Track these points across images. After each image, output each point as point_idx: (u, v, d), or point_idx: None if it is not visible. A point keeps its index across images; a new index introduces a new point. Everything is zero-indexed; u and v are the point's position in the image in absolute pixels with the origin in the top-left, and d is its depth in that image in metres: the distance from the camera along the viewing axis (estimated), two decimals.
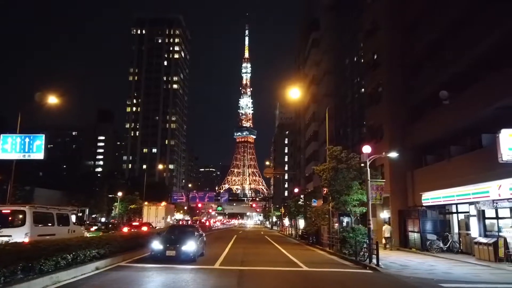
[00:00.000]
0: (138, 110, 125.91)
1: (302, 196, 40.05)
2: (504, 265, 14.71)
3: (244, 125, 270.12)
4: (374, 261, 14.11)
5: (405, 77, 25.31)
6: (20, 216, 13.00)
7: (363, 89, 32.70)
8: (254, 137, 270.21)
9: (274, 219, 75.09)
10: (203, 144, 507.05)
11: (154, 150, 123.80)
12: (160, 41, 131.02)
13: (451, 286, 10.59)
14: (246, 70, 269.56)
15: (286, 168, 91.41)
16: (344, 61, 39.48)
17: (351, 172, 18.83)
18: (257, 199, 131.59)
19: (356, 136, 34.27)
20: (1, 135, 20.59)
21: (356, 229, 17.42)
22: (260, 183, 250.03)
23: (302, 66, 63.19)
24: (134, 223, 34.59)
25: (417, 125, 23.80)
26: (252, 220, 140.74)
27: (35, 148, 20.48)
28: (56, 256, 9.31)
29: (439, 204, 21.19)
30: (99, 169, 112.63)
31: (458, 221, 20.84)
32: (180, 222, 51.22)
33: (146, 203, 43.95)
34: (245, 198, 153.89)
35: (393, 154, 19.30)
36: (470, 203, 18.44)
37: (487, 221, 17.61)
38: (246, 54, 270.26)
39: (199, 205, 77.57)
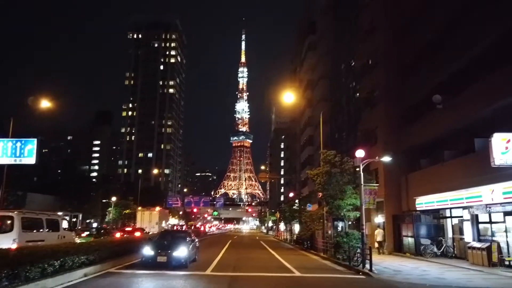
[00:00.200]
0: (134, 114, 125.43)
1: (297, 200, 39.92)
2: (497, 270, 14.65)
3: (240, 129, 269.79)
4: (368, 266, 14.02)
5: (400, 79, 25.27)
6: (8, 222, 12.83)
7: (358, 94, 32.75)
8: (251, 141, 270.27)
9: (270, 224, 74.71)
10: (199, 149, 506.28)
11: (150, 155, 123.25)
12: (156, 45, 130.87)
13: None
14: (243, 75, 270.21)
15: (282, 172, 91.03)
16: (339, 65, 39.58)
17: (344, 177, 18.82)
18: (253, 203, 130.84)
19: (351, 141, 34.26)
20: None
21: (350, 234, 17.35)
22: (257, 188, 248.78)
23: (299, 70, 63.27)
24: (127, 229, 34.32)
25: (412, 127, 23.59)
26: (248, 225, 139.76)
27: (27, 152, 20.18)
28: (43, 262, 9.16)
29: (433, 208, 21.16)
30: (95, 174, 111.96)
31: (452, 225, 20.78)
32: (175, 228, 50.77)
33: (140, 208, 43.69)
34: (241, 203, 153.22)
35: (387, 158, 19.09)
36: (464, 208, 18.40)
37: (481, 226, 17.58)
38: (243, 59, 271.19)
39: (195, 210, 77.33)
